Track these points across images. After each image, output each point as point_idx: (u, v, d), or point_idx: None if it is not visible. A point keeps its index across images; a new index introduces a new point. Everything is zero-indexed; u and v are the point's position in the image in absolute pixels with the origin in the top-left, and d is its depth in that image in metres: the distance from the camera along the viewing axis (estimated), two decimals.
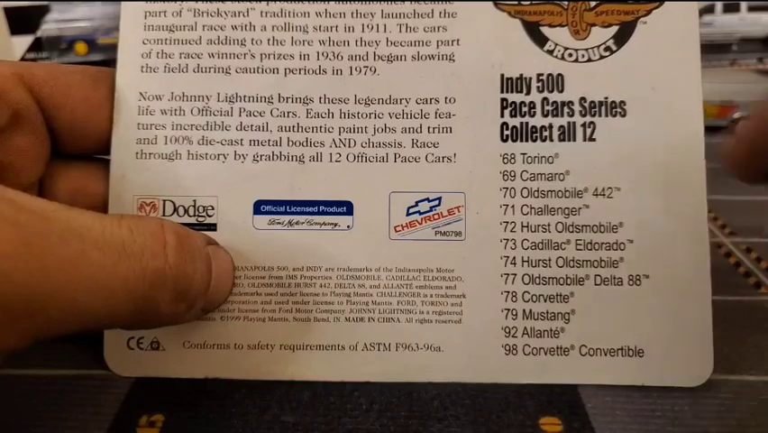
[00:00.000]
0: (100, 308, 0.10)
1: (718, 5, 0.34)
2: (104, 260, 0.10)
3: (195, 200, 0.14)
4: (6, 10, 0.32)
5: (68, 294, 0.09)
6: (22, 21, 0.31)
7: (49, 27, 0.29)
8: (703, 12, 0.34)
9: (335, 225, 0.14)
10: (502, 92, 0.14)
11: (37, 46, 0.31)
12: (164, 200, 0.14)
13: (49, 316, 0.09)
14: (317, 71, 0.14)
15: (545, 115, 0.14)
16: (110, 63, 0.15)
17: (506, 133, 0.14)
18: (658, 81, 0.14)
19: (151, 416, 0.12)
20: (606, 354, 0.13)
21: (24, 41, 0.31)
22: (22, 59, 0.30)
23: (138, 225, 0.11)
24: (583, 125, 0.14)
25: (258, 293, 0.14)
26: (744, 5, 0.34)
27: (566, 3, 0.14)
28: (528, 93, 0.14)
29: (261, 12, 0.14)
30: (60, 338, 0.14)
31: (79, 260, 0.09)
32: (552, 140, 0.14)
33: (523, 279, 0.14)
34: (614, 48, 0.14)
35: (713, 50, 0.34)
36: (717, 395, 0.13)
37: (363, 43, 0.14)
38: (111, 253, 0.10)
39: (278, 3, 0.14)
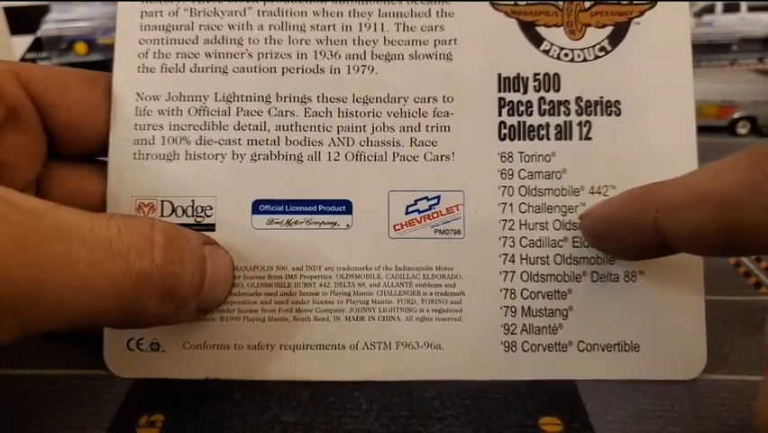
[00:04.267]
0: (87, 306, 0.09)
1: (718, 5, 0.33)
2: (91, 258, 0.09)
3: (193, 201, 0.13)
4: (6, 10, 0.31)
5: (55, 291, 0.09)
6: (23, 21, 0.30)
7: (49, 27, 0.28)
8: (703, 12, 0.33)
9: (334, 224, 0.13)
10: (499, 91, 0.13)
11: (37, 46, 0.30)
12: (162, 201, 0.13)
13: (37, 311, 0.09)
14: (315, 70, 0.13)
15: (542, 114, 0.13)
16: (110, 63, 0.14)
17: (503, 131, 0.13)
18: (651, 81, 0.13)
19: (151, 416, 0.12)
20: (603, 350, 0.13)
21: (24, 41, 0.30)
22: (22, 59, 0.30)
23: (127, 224, 0.10)
24: (579, 124, 0.13)
25: (257, 293, 0.13)
26: (744, 5, 0.33)
27: (561, 3, 0.14)
28: (525, 92, 0.13)
29: (258, 11, 0.14)
30: (55, 335, 0.14)
31: (67, 257, 0.09)
32: (549, 138, 0.13)
33: (521, 276, 0.13)
34: (608, 48, 0.14)
35: (713, 50, 0.33)
36: (717, 395, 0.12)
37: (361, 42, 0.13)
38: (98, 252, 0.09)
39: (275, 2, 0.13)
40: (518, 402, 0.12)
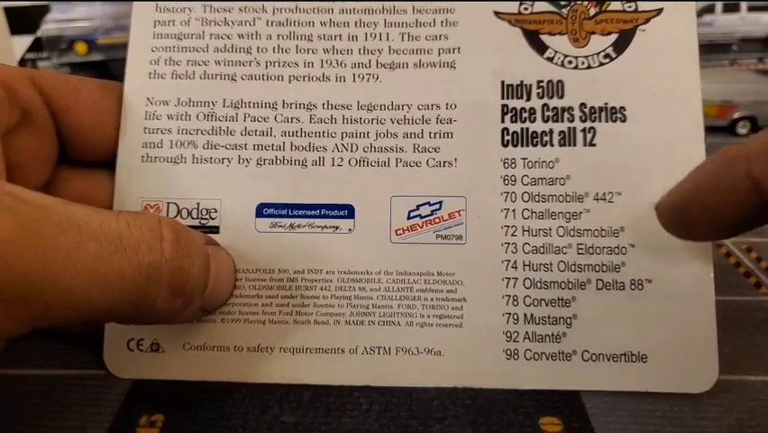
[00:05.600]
0: (96, 298, 0.11)
1: (718, 5, 0.37)
2: (100, 251, 0.11)
3: (198, 203, 0.16)
4: (6, 10, 0.34)
5: (64, 282, 0.10)
6: (23, 21, 0.34)
7: (49, 27, 0.31)
8: (703, 12, 0.37)
9: (337, 228, 0.16)
10: (503, 98, 0.16)
11: (37, 46, 0.33)
12: (168, 203, 0.16)
13: (46, 303, 0.10)
14: (321, 78, 0.16)
15: (546, 121, 0.16)
16: (110, 63, 0.17)
17: (506, 138, 0.16)
18: (658, 87, 0.15)
19: (151, 416, 0.14)
20: (608, 360, 0.15)
21: (24, 41, 0.34)
22: (22, 59, 0.33)
23: (135, 219, 0.12)
24: (583, 131, 0.16)
25: (259, 295, 0.15)
26: (744, 5, 0.36)
27: (566, 11, 0.16)
28: (529, 99, 0.16)
29: (267, 21, 0.16)
30: (61, 330, 0.16)
31: (76, 250, 0.10)
32: (552, 145, 0.16)
33: (524, 283, 0.15)
34: (613, 55, 0.16)
35: (713, 50, 0.36)
36: (717, 395, 0.14)
37: (366, 51, 0.16)
38: (108, 245, 0.11)
39: (283, 12, 0.16)
40: (518, 402, 0.14)
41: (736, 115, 0.28)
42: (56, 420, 0.14)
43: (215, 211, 0.16)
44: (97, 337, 0.15)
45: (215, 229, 0.16)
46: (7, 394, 0.15)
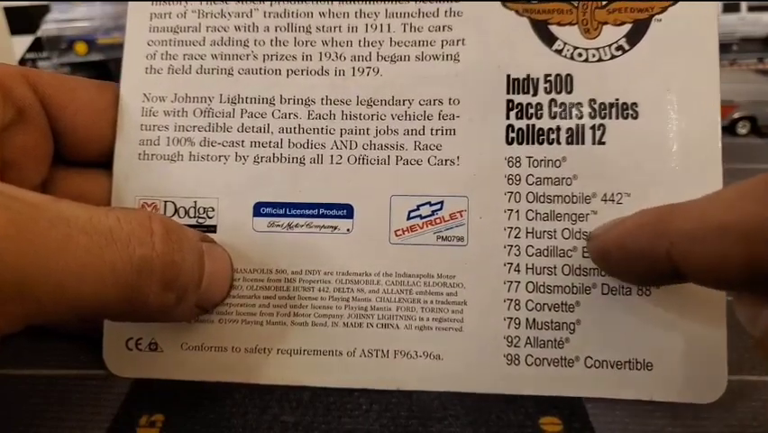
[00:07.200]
0: (88, 293, 0.11)
1: (718, 5, 0.37)
2: (91, 244, 0.11)
3: (195, 201, 0.16)
4: (6, 10, 0.35)
5: (56, 278, 0.10)
6: (23, 21, 0.34)
7: (49, 27, 0.32)
8: None
9: (335, 228, 0.15)
10: (508, 93, 0.15)
11: (37, 46, 0.34)
12: (165, 201, 0.16)
13: (39, 299, 0.10)
14: (319, 72, 0.16)
15: (553, 117, 0.15)
16: (110, 63, 0.17)
17: (511, 135, 0.15)
18: (673, 82, 0.15)
19: (151, 416, 0.14)
20: (612, 367, 0.14)
21: (24, 41, 0.34)
22: (22, 59, 0.34)
23: (126, 214, 0.12)
24: (592, 128, 0.15)
25: (256, 296, 0.15)
26: (744, 5, 0.36)
27: (576, 1, 0.16)
28: (535, 94, 0.15)
29: (265, 12, 0.16)
30: (59, 329, 0.16)
31: (67, 244, 0.10)
32: (559, 143, 0.15)
33: (527, 287, 0.15)
34: (626, 47, 0.15)
35: None
36: None
37: (366, 44, 0.16)
38: (98, 238, 0.11)
39: (281, 3, 0.16)
40: (518, 402, 0.14)
41: (736, 115, 0.28)
42: (56, 420, 0.14)
43: (213, 210, 0.16)
44: (96, 337, 0.16)
45: (213, 228, 0.16)
46: (7, 394, 0.15)
